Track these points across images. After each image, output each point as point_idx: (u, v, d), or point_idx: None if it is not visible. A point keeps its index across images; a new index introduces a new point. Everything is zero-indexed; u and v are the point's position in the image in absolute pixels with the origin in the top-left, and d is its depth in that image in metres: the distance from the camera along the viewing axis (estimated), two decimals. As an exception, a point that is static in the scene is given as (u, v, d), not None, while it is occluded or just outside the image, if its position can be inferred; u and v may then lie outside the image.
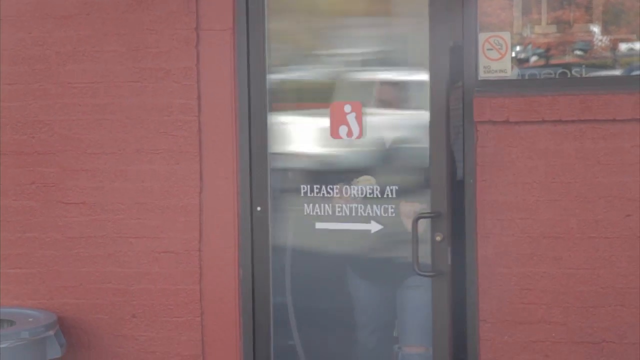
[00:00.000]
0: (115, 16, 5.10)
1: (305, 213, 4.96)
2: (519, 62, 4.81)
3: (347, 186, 4.81)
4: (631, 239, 4.63)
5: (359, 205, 4.86)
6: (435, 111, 4.62)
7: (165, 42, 5.07)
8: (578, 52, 4.76)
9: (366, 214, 4.85)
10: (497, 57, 4.75)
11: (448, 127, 4.64)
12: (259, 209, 4.96)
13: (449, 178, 4.68)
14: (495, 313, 4.78)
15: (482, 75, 4.77)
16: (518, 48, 4.80)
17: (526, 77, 4.79)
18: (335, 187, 4.86)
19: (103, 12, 5.11)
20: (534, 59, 4.83)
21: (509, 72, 4.76)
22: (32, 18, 5.16)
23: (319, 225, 4.95)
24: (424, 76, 4.74)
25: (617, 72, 4.75)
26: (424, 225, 4.67)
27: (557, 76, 4.76)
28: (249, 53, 5.01)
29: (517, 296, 4.76)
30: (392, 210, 4.82)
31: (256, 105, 5.01)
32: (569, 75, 4.74)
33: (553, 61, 4.80)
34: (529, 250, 4.74)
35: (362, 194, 4.82)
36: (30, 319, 5.00)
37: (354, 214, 4.88)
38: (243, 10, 4.99)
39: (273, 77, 5.06)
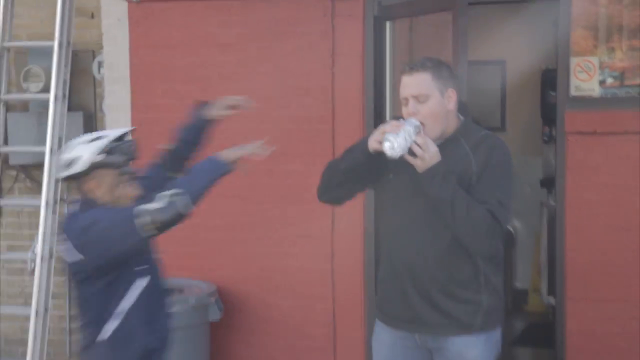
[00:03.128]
0: (265, 44, 5.16)
1: None
2: (599, 82, 4.69)
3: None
4: (699, 231, 4.53)
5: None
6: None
7: (306, 65, 5.09)
8: (650, 74, 4.67)
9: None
10: (586, 78, 4.68)
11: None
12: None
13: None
14: (580, 292, 4.71)
15: (573, 93, 4.70)
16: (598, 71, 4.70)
17: (609, 96, 4.68)
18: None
19: (256, 41, 5.17)
20: (609, 80, 4.69)
21: (597, 91, 4.68)
22: (200, 45, 5.25)
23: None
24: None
25: (687, 90, 4.57)
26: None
27: (637, 95, 4.64)
28: (375, 73, 5.03)
29: (600, 279, 4.68)
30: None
31: (379, 115, 5.01)
32: (644, 94, 4.66)
33: (627, 82, 4.66)
34: (611, 240, 4.66)
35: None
36: (196, 288, 5.08)
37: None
38: (371, 39, 5.01)
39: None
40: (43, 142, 5.76)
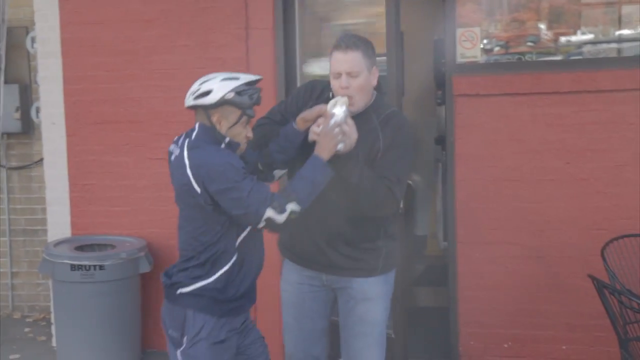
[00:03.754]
0: (186, 19, 5.21)
1: None
2: (486, 51, 4.83)
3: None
4: (569, 181, 4.74)
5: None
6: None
7: (222, 38, 5.13)
8: (530, 44, 4.81)
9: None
10: (470, 46, 4.81)
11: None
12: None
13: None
14: (469, 236, 4.89)
15: (459, 60, 4.83)
16: (485, 41, 4.83)
17: (491, 62, 4.85)
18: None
19: (177, 16, 5.22)
20: (497, 49, 4.83)
21: (479, 57, 4.83)
22: (125, 22, 5.29)
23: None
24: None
25: (558, 57, 4.79)
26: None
27: (514, 61, 4.82)
28: (284, 45, 5.10)
29: (486, 224, 4.85)
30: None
31: (290, 84, 5.09)
32: (523, 60, 4.81)
33: (511, 50, 4.82)
34: (494, 190, 4.82)
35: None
36: (127, 244, 5.20)
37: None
38: (280, 14, 5.07)
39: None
40: (-19, 113, 5.84)
